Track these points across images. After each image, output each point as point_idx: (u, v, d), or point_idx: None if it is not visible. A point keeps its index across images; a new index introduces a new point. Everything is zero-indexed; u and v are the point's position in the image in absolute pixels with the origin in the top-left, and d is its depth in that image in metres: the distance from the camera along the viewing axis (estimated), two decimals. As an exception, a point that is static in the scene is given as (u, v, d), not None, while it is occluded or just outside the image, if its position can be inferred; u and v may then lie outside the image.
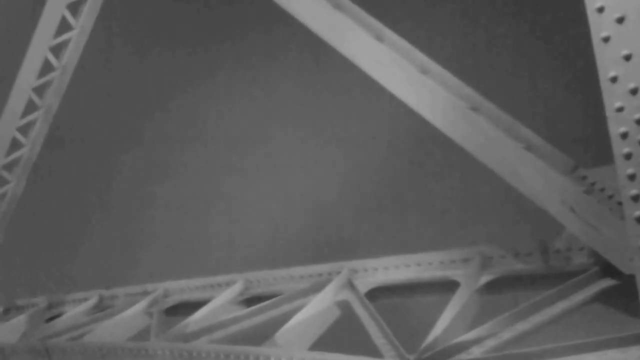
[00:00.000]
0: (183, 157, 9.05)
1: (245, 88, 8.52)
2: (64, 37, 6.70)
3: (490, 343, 3.86)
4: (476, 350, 3.86)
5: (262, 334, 5.00)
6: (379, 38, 4.63)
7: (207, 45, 8.61)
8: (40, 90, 6.93)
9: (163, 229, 8.94)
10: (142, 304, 6.08)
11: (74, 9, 6.63)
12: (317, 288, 5.15)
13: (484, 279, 4.59)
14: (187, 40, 8.74)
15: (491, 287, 4.63)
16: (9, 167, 7.19)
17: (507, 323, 3.96)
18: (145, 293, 6.29)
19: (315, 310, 4.93)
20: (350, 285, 5.08)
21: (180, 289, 6.17)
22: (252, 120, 8.62)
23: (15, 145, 7.11)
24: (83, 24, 6.71)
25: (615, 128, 3.53)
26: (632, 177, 3.50)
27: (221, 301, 5.67)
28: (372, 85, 4.72)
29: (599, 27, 3.43)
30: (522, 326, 3.94)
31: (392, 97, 4.62)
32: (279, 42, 7.89)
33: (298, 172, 8.39)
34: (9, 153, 7.11)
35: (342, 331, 5.07)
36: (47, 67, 6.84)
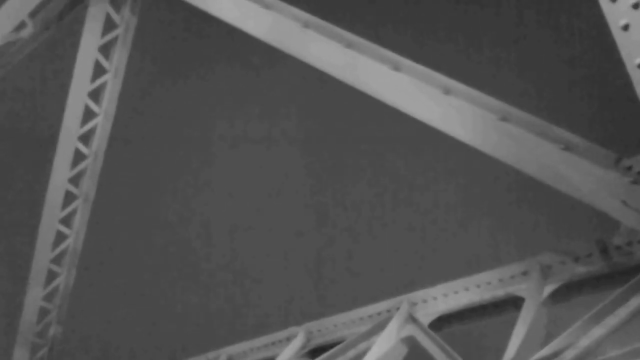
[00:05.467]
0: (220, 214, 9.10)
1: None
2: (91, 124, 6.86)
3: (570, 354, 3.72)
4: (556, 365, 3.73)
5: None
6: (396, 68, 4.64)
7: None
8: (75, 180, 7.07)
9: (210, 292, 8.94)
10: (207, 373, 6.04)
11: (95, 96, 6.81)
12: (379, 328, 5.06)
13: (548, 289, 4.46)
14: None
15: (557, 296, 4.49)
16: (57, 260, 7.29)
17: (582, 330, 3.82)
18: (209, 362, 6.25)
19: (382, 351, 4.84)
20: (412, 319, 4.98)
21: (243, 352, 6.11)
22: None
23: (60, 237, 7.23)
24: (106, 108, 6.88)
25: (652, 113, 3.44)
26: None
27: (285, 357, 5.60)
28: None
29: (616, 16, 3.37)
30: (598, 331, 3.80)
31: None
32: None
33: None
34: (55, 246, 7.22)
35: (413, 367, 4.96)
36: (78, 156, 7.00)
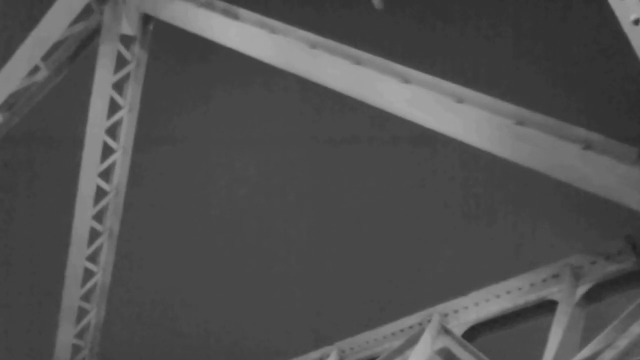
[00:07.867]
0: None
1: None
2: (110, 160, 6.93)
3: (609, 355, 3.65)
4: (596, 367, 3.66)
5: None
6: (406, 80, 4.63)
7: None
8: (99, 216, 7.13)
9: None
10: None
11: (112, 132, 6.89)
12: (412, 342, 5.02)
13: (581, 290, 4.40)
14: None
15: (590, 297, 4.43)
16: (86, 296, 7.34)
17: (619, 330, 3.75)
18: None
19: (417, 364, 4.80)
20: (445, 330, 4.94)
21: (278, 374, 6.10)
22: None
23: (87, 274, 7.28)
24: (124, 144, 6.95)
25: (670, 104, 3.40)
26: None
27: (320, 377, 5.58)
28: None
29: (626, 11, 3.35)
30: (636, 329, 3.72)
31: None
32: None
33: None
34: (83, 283, 7.27)
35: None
36: (100, 193, 7.06)
